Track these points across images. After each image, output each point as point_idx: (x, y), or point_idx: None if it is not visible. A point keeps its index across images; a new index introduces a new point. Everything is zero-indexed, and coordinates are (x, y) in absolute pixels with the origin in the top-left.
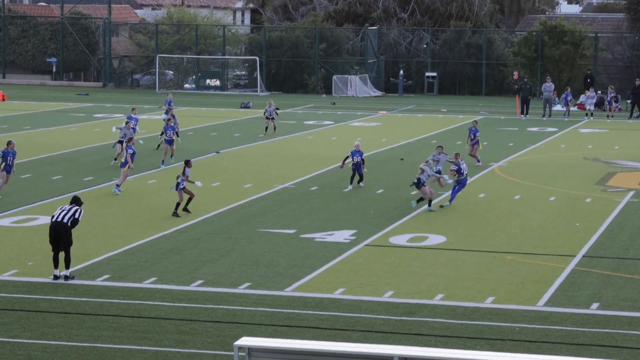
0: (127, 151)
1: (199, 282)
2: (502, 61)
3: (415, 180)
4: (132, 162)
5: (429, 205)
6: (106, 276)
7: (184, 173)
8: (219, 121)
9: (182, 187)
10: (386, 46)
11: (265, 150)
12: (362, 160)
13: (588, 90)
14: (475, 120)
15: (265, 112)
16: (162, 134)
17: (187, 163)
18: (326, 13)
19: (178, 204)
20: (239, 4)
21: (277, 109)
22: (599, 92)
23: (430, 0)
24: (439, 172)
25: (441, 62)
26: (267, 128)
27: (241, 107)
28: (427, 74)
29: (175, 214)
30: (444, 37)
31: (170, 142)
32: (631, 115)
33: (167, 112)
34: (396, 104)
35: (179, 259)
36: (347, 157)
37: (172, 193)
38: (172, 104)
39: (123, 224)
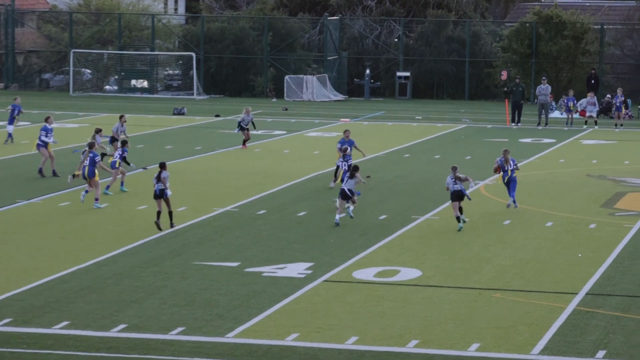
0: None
1: (122, 326)
2: (489, 58)
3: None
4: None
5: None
6: (7, 320)
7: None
8: (147, 130)
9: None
10: (349, 40)
11: (203, 166)
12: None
13: (590, 93)
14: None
15: (241, 122)
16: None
17: (163, 166)
18: (277, 0)
19: (159, 213)
20: None
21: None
22: (607, 95)
23: None
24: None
25: (416, 60)
26: (245, 141)
27: (174, 114)
28: (399, 73)
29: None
30: (420, 30)
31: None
32: None
33: (11, 122)
34: (361, 109)
35: (97, 299)
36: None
37: (88, 217)
38: (20, 110)
39: (29, 256)
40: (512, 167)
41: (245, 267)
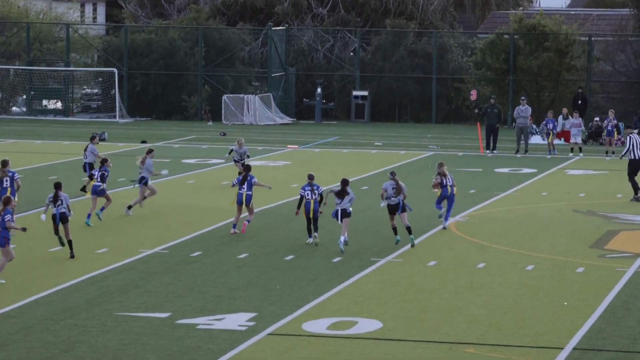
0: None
1: None
2: (459, 75)
3: None
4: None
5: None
6: None
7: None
8: (61, 159)
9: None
10: (297, 54)
11: (127, 201)
12: (320, 195)
13: (575, 113)
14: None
15: (233, 155)
16: None
17: (58, 186)
18: (213, 7)
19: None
20: None
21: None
22: (596, 118)
23: None
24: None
25: (375, 77)
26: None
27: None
28: (355, 92)
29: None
30: (379, 42)
31: None
32: None
33: None
34: (312, 134)
35: (1, 358)
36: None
37: None
38: None
39: None
40: (450, 183)
41: (176, 318)
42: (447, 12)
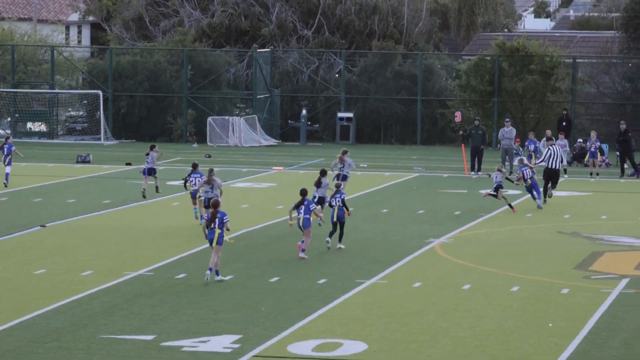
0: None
1: None
2: (444, 97)
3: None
4: None
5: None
6: None
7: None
8: (46, 182)
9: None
10: (283, 76)
11: (113, 223)
12: (343, 202)
13: (560, 135)
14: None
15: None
16: None
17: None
18: (198, 29)
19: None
20: (74, 17)
21: None
22: (579, 140)
23: (344, 12)
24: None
25: (360, 99)
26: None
27: (77, 162)
28: (341, 114)
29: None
30: (364, 64)
31: None
32: (622, 172)
33: None
34: (297, 156)
35: None
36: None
37: None
38: None
39: None
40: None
41: (161, 340)
42: (432, 34)
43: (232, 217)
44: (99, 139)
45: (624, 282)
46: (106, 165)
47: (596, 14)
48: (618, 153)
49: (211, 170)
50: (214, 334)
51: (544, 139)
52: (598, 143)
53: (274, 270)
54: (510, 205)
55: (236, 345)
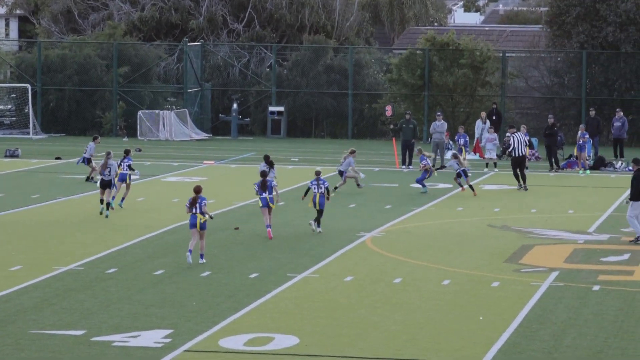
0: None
1: None
2: (375, 91)
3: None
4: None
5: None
6: None
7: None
8: None
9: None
10: (213, 69)
11: (41, 218)
12: (327, 190)
13: (490, 128)
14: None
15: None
16: None
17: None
18: (128, 23)
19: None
20: (1, 10)
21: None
22: (507, 134)
23: (275, 6)
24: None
25: (291, 93)
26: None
27: (6, 156)
28: (272, 108)
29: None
30: (295, 58)
31: None
32: (551, 166)
33: None
34: (228, 150)
35: None
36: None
37: None
38: None
39: None
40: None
41: (91, 335)
42: (362, 28)
43: (163, 212)
44: (28, 132)
45: (554, 274)
46: (35, 160)
47: (525, 8)
48: (545, 147)
49: (108, 153)
50: (145, 329)
51: (478, 120)
52: (527, 137)
53: (205, 265)
54: (471, 187)
55: (167, 340)
